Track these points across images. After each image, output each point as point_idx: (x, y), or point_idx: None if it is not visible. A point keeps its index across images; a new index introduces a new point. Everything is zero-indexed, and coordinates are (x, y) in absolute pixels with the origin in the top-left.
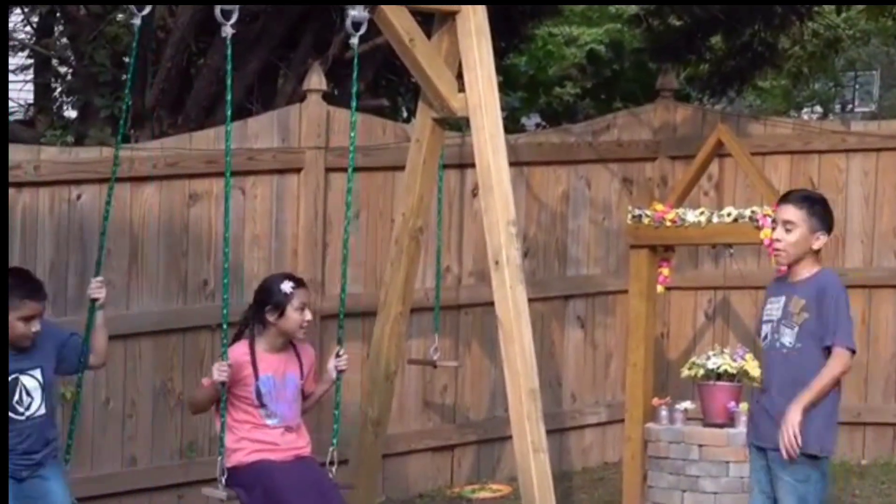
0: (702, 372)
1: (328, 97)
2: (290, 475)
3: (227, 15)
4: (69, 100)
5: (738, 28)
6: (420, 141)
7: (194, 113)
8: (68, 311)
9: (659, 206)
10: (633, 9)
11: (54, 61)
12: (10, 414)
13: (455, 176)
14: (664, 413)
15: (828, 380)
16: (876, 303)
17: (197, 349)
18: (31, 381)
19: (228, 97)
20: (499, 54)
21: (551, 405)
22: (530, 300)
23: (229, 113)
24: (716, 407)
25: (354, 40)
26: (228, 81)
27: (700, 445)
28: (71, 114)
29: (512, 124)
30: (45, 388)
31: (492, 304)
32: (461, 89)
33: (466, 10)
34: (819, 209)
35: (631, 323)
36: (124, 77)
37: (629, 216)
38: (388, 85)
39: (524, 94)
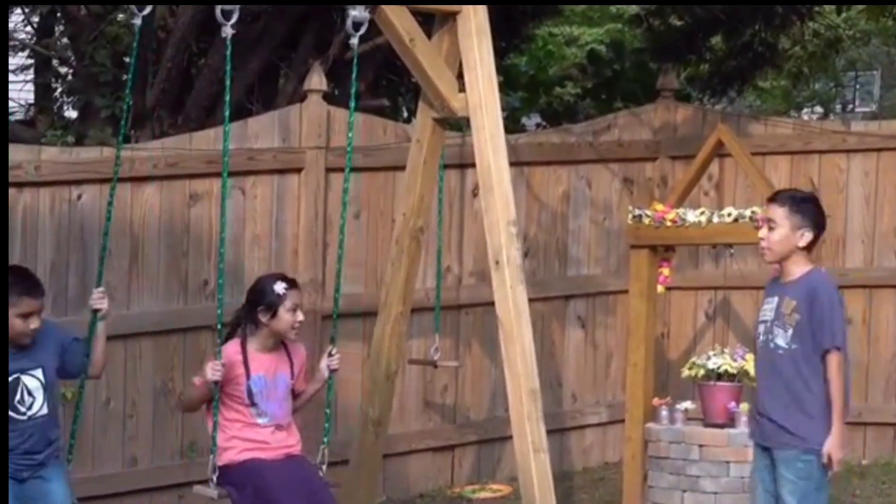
0: (702, 372)
1: (329, 97)
2: (280, 474)
3: (227, 15)
4: (70, 100)
5: (738, 28)
6: (420, 141)
7: (195, 113)
8: (69, 311)
9: (659, 206)
10: (633, 9)
11: (55, 61)
12: (12, 414)
13: (455, 176)
14: (664, 413)
15: (841, 388)
16: (876, 303)
17: (197, 349)
18: (32, 381)
19: (227, 97)
20: (499, 54)
21: (552, 405)
22: (531, 300)
23: (227, 113)
24: (716, 407)
25: (354, 40)
26: (227, 82)
27: (700, 445)
28: (71, 114)
29: (512, 124)
30: (47, 387)
31: (492, 304)
32: (462, 89)
33: (467, 10)
34: (803, 207)
35: (631, 323)
36: (125, 77)
37: (630, 216)
38: (388, 85)
39: (525, 94)
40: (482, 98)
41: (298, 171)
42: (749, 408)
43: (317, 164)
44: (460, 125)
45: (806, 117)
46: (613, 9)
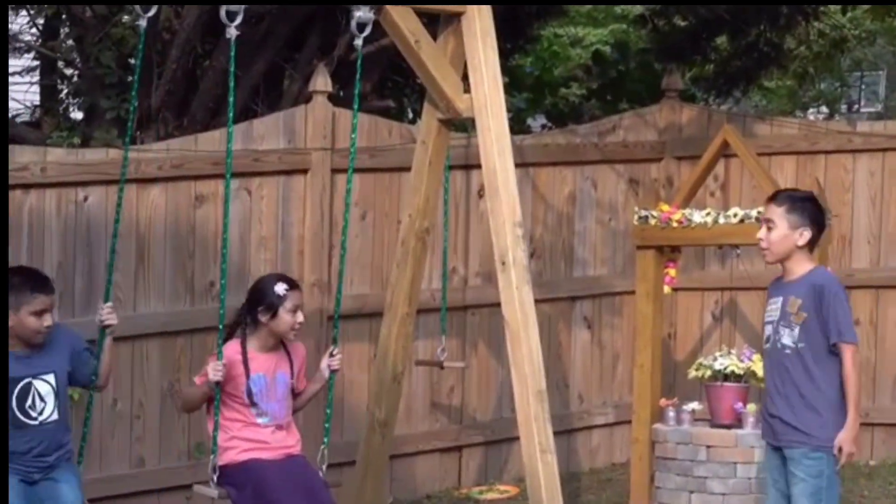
0: (709, 373)
1: (334, 98)
2: (280, 474)
3: (231, 16)
4: (75, 101)
5: (743, 28)
6: (426, 142)
7: (200, 114)
8: (76, 312)
9: (665, 207)
10: (638, 9)
11: (60, 63)
12: (23, 418)
13: (461, 177)
14: (671, 414)
15: (856, 383)
16: (883, 303)
17: (204, 350)
18: (44, 386)
19: (231, 98)
20: (504, 55)
21: (559, 406)
22: (537, 301)
23: (231, 114)
24: (723, 408)
25: (359, 41)
26: (231, 83)
27: (708, 446)
28: (77, 115)
29: (518, 125)
30: (59, 393)
31: (498, 305)
32: (467, 90)
33: (472, 11)
34: (800, 205)
35: (638, 324)
36: (130, 79)
37: (635, 217)
38: (393, 86)
39: (530, 95)
40: (487, 99)
41: (304, 172)
42: (757, 408)
43: (322, 165)
44: (465, 126)
45: (812, 117)
46: (618, 9)
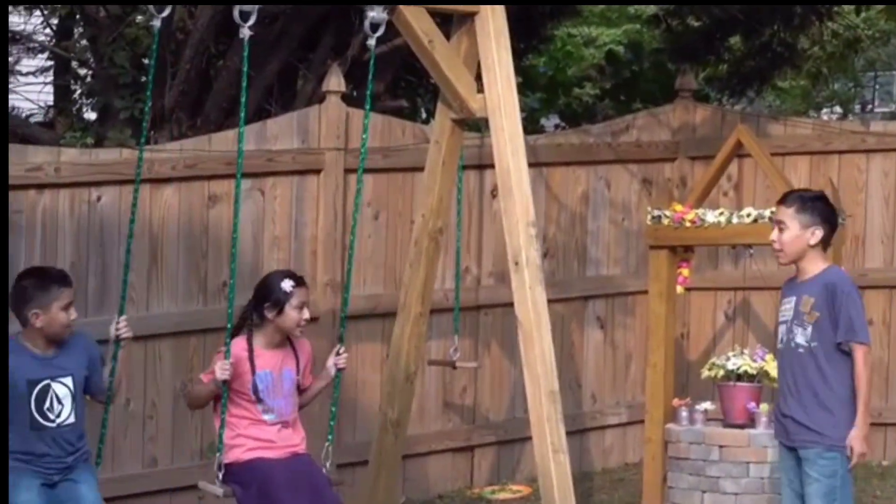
0: (722, 373)
1: (347, 98)
2: (285, 474)
3: (245, 16)
4: (89, 101)
5: (757, 28)
6: (439, 142)
7: (213, 114)
8: (89, 312)
9: (678, 207)
10: (651, 9)
11: (74, 63)
12: (41, 420)
13: (474, 177)
14: (684, 414)
15: (867, 383)
16: None
17: (217, 350)
18: (62, 389)
19: (243, 98)
20: (518, 55)
21: (571, 406)
22: (550, 301)
23: (243, 114)
24: (736, 408)
25: (372, 41)
26: (244, 83)
27: (720, 446)
28: (91, 115)
29: (531, 125)
30: (76, 396)
31: (511, 304)
32: (480, 90)
33: (485, 11)
34: (810, 205)
35: (651, 324)
36: (144, 79)
37: (648, 217)
38: (407, 86)
39: (543, 95)
40: (501, 99)
41: (317, 172)
42: (770, 408)
43: (336, 165)
44: (479, 126)
45: (825, 117)
46: (631, 9)
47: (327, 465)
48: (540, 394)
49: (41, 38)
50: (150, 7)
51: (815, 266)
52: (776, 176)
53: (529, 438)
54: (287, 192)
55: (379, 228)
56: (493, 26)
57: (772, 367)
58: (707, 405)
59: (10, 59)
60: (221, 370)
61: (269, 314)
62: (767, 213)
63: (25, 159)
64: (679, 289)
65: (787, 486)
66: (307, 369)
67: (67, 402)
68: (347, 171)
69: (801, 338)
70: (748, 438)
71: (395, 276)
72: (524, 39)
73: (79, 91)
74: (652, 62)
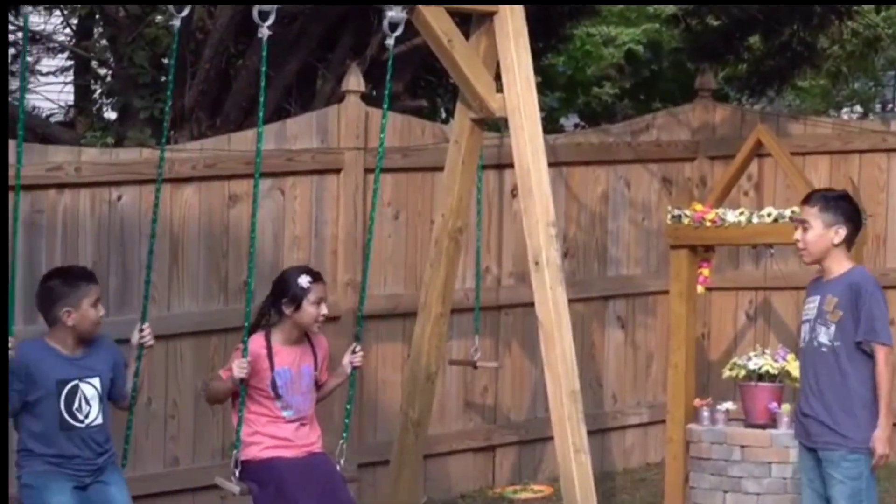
0: (743, 373)
1: (367, 98)
2: (302, 474)
3: (264, 16)
4: (109, 101)
5: (776, 28)
6: (459, 142)
7: (233, 114)
8: (110, 311)
9: (698, 207)
10: (671, 9)
11: (94, 63)
12: (71, 421)
13: (494, 176)
14: (706, 414)
15: (889, 384)
16: None
17: (235, 347)
18: (90, 390)
19: (262, 98)
20: (537, 55)
21: (592, 406)
22: (570, 301)
23: (262, 114)
24: (757, 408)
25: (390, 41)
26: (263, 83)
27: (742, 446)
28: (111, 115)
29: (551, 125)
30: (102, 397)
31: (532, 304)
32: (499, 90)
33: (504, 10)
34: (833, 204)
35: (672, 324)
36: (164, 78)
37: (669, 216)
38: (426, 86)
39: (563, 94)
40: (520, 99)
41: (337, 171)
42: (792, 408)
43: (355, 164)
44: (498, 126)
45: (846, 117)
46: (651, 9)
47: (341, 462)
48: (561, 393)
49: (61, 37)
50: (170, 7)
51: (840, 266)
52: (796, 175)
53: (551, 438)
54: (307, 192)
55: (399, 228)
56: (512, 26)
57: (793, 367)
58: (728, 405)
59: (31, 58)
60: (239, 369)
61: (287, 310)
62: (788, 212)
63: (46, 159)
64: (700, 288)
65: (808, 485)
66: (324, 365)
67: (95, 403)
68: (367, 170)
69: (824, 336)
70: (770, 438)
71: (415, 276)
72: (543, 39)
73: (99, 91)
74: (671, 62)
